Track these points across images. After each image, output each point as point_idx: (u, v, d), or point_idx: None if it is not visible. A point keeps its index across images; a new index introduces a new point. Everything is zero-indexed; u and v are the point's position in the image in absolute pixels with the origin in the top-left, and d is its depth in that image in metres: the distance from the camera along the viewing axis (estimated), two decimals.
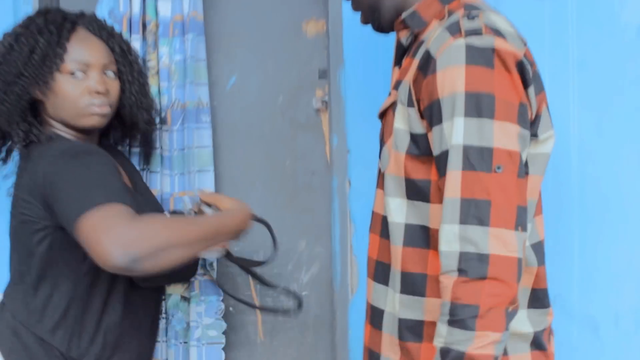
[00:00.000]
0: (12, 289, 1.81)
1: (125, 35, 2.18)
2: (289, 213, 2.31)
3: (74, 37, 1.79)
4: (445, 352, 1.30)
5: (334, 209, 2.19)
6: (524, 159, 1.37)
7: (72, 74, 1.76)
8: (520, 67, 1.36)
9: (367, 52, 2.10)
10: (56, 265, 1.71)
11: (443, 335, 1.31)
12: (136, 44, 2.21)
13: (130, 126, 1.95)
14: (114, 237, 1.46)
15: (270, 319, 2.31)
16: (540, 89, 1.43)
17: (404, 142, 1.44)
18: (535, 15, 1.94)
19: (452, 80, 1.33)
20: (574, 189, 1.94)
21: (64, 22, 1.80)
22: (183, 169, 2.22)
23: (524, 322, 1.46)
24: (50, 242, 1.70)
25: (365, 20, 1.60)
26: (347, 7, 2.07)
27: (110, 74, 1.82)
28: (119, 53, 1.86)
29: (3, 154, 1.94)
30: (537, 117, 1.42)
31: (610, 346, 1.94)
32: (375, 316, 1.55)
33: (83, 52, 1.79)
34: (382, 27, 1.59)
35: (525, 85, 1.37)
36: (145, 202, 1.85)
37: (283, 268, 2.32)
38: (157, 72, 2.22)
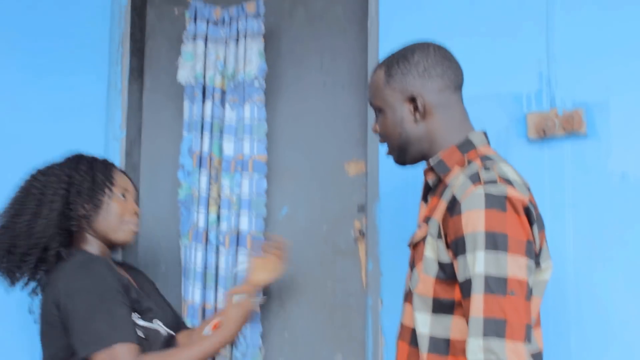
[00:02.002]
0: None
1: (195, 169, 2.62)
2: (328, 329, 2.61)
3: (115, 171, 2.26)
4: None
5: (368, 325, 2.46)
6: (530, 285, 1.63)
7: (119, 197, 2.21)
8: (527, 211, 1.64)
9: (399, 189, 2.42)
10: None
11: None
12: (203, 178, 2.64)
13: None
14: None
15: None
16: (541, 227, 1.71)
17: (433, 268, 1.71)
18: (537, 163, 2.26)
19: (474, 220, 1.60)
20: (570, 312, 2.18)
21: (103, 161, 2.27)
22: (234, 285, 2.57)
23: None
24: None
25: (390, 153, 1.90)
26: (383, 150, 2.44)
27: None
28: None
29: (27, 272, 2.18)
30: (540, 250, 1.70)
31: None
32: None
33: (124, 182, 2.27)
34: (404, 163, 1.90)
35: (531, 224, 1.65)
36: (158, 308, 2.19)
37: None
38: (217, 202, 2.63)
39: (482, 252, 1.59)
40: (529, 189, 1.73)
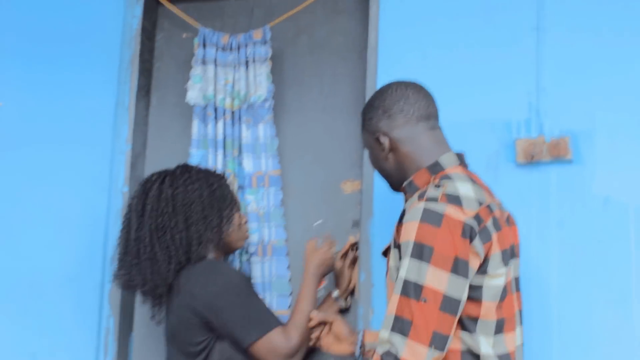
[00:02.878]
0: None
1: None
2: None
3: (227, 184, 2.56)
4: None
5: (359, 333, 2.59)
6: (457, 298, 1.76)
7: (238, 210, 2.55)
8: (465, 228, 1.78)
9: (392, 207, 2.51)
10: None
11: None
12: None
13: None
14: (287, 358, 2.29)
15: None
16: (487, 239, 1.83)
17: (394, 274, 1.90)
18: (525, 186, 2.42)
19: (409, 231, 1.80)
20: (554, 323, 2.33)
21: (221, 176, 2.57)
22: (266, 292, 2.78)
23: None
24: (207, 351, 2.33)
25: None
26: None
27: None
28: None
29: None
30: (486, 259, 1.83)
31: None
32: None
33: (234, 193, 2.59)
34: (394, 189, 2.12)
35: (471, 240, 1.79)
36: None
37: None
38: None
39: (407, 259, 1.78)
40: (482, 204, 1.86)
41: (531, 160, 2.41)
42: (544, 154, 2.40)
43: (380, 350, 1.78)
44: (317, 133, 2.89)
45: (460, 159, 2.01)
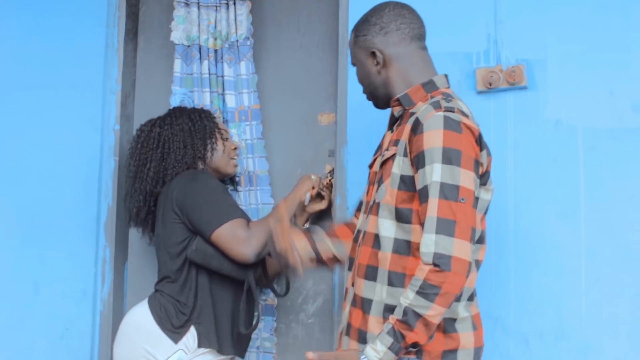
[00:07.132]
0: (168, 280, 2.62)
1: None
2: None
3: (214, 117, 2.82)
4: (408, 310, 1.87)
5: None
6: (477, 195, 1.96)
7: (224, 139, 2.77)
8: (479, 137, 1.97)
9: (363, 136, 2.75)
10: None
11: (410, 299, 1.87)
12: None
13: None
14: (243, 244, 2.49)
15: (284, 341, 2.95)
16: (488, 154, 2.05)
17: (397, 181, 2.03)
18: (484, 111, 2.60)
19: (433, 138, 1.92)
20: (510, 235, 2.54)
21: (206, 111, 2.83)
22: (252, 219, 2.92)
23: (464, 310, 2.01)
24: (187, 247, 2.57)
25: (368, 99, 2.27)
26: (351, 103, 2.78)
27: None
28: None
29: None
30: (486, 172, 2.03)
31: (537, 355, 2.48)
32: (364, 304, 2.07)
33: (222, 125, 2.84)
34: (379, 106, 2.26)
35: (481, 149, 1.98)
36: None
37: (294, 301, 2.94)
38: None
39: (439, 164, 1.91)
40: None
41: (489, 88, 2.60)
42: (501, 82, 2.59)
43: (427, 259, 1.86)
44: (295, 69, 3.09)
45: (447, 81, 2.18)
